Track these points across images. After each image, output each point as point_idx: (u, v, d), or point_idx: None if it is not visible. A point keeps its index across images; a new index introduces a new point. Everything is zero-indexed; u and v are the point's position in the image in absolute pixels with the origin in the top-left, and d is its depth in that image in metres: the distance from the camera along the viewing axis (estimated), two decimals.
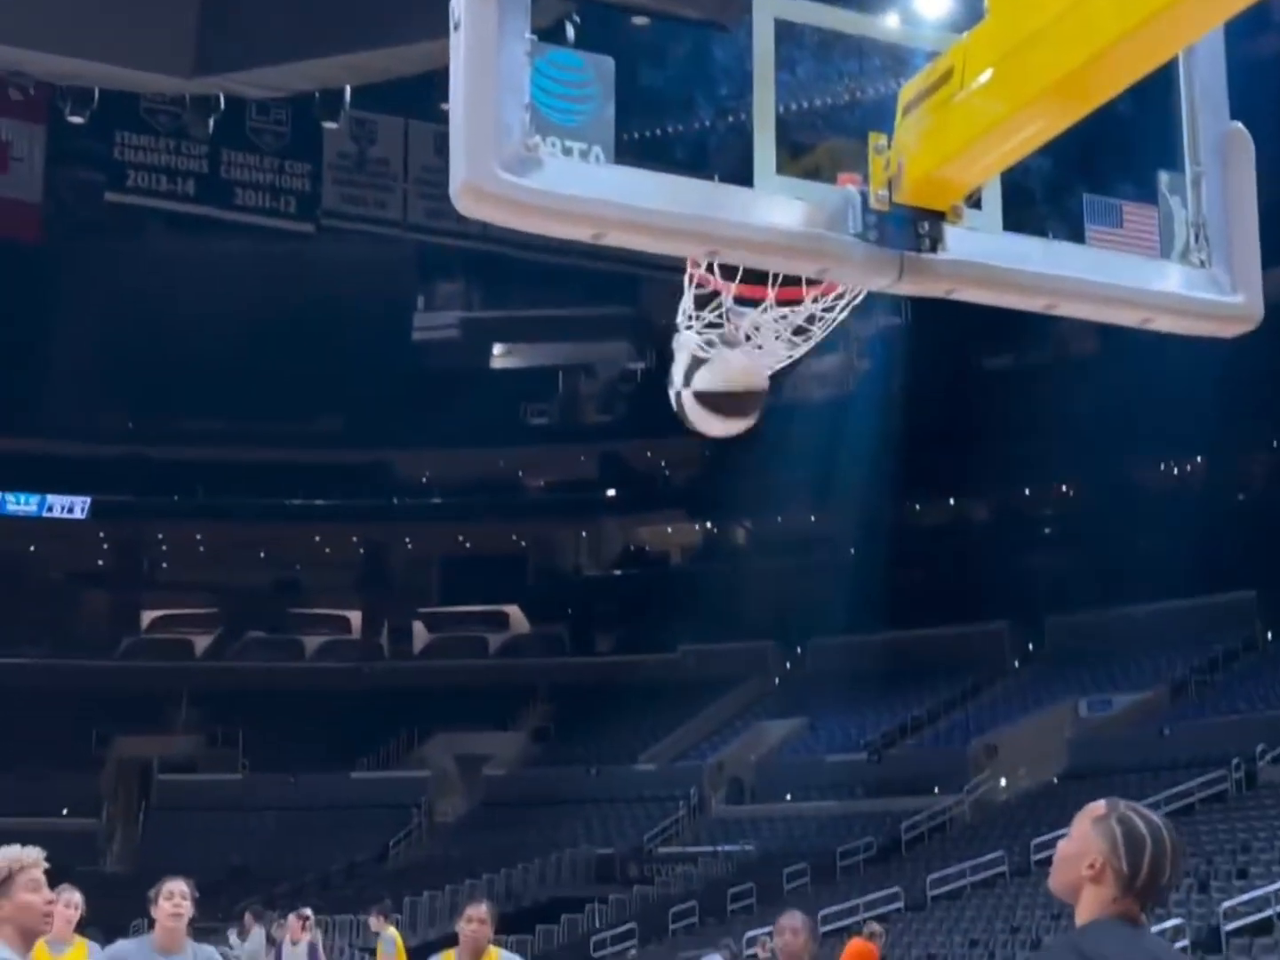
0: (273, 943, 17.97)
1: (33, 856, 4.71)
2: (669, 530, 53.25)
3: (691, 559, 52.29)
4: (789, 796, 39.22)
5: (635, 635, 49.46)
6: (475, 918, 7.27)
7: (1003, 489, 47.04)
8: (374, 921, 17.64)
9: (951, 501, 49.83)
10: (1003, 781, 36.69)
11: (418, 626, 52.88)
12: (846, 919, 27.69)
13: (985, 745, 37.53)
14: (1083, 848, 3.38)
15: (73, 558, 50.11)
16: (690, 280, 4.18)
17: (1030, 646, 43.73)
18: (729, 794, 40.97)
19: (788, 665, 46.91)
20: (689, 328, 4.28)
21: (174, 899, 6.29)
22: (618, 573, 53.06)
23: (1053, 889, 3.54)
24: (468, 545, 52.93)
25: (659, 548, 53.57)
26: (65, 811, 40.60)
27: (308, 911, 17.25)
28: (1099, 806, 3.43)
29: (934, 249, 3.76)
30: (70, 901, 7.03)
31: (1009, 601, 41.17)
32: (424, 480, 52.66)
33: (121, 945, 7.00)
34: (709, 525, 53.09)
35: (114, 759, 44.40)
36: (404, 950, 17.13)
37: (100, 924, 23.57)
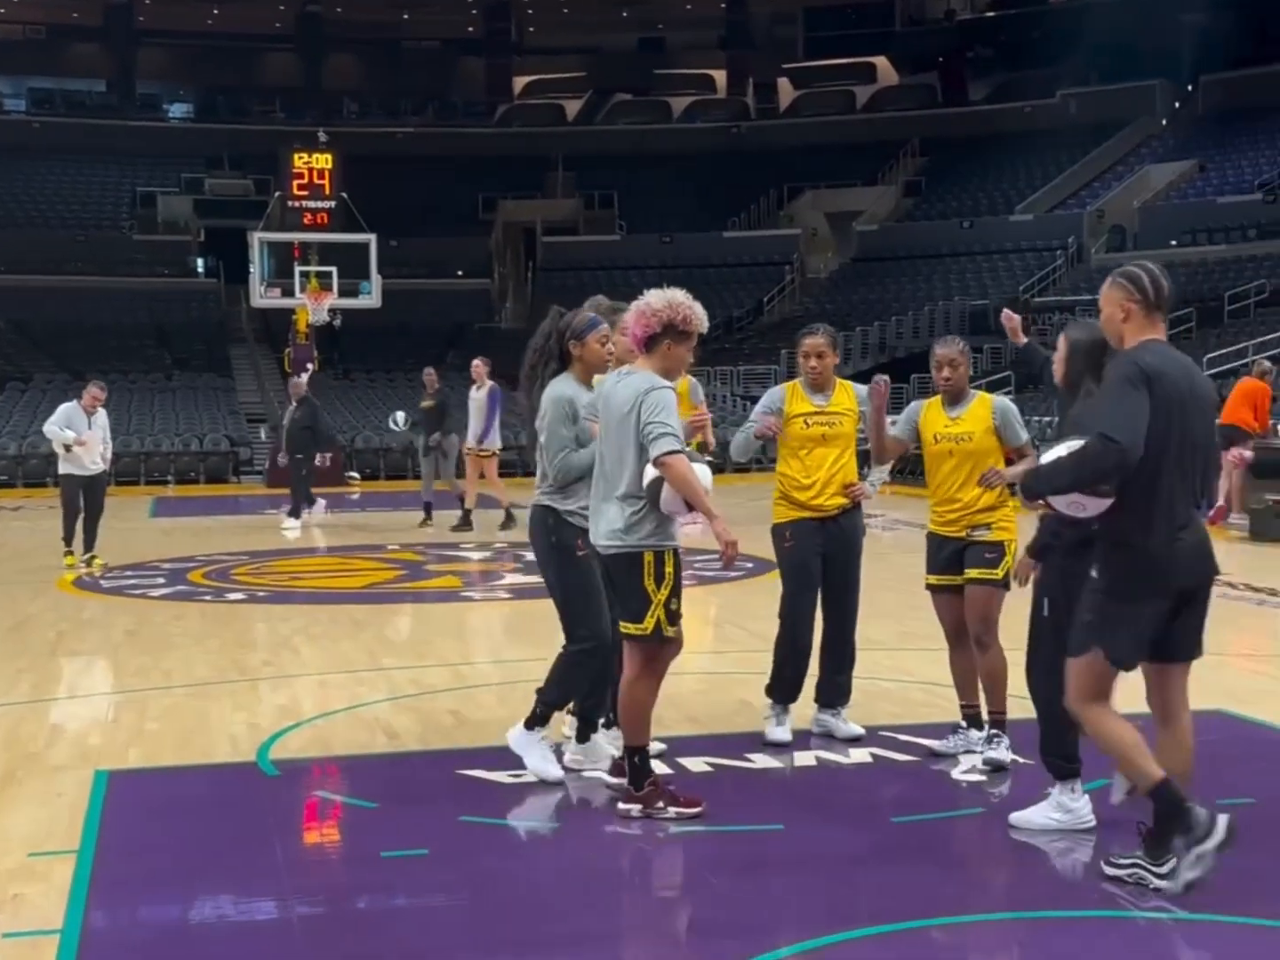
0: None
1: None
2: None
3: None
4: (1174, 242, 37.79)
5: (1012, 81, 47.30)
6: (811, 352, 6.53)
7: None
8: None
9: None
10: None
11: (783, 83, 51.92)
12: (1234, 362, 27.12)
13: None
14: (1114, 310, 4.61)
15: (445, 25, 50.76)
16: None
17: None
18: (1110, 242, 39.77)
19: (1176, 105, 44.15)
20: None
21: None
22: (993, 14, 50.19)
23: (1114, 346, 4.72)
24: None
25: None
26: (460, 273, 43.05)
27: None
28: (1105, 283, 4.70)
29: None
30: None
31: None
32: None
33: None
34: None
35: (500, 223, 46.35)
36: None
37: (498, 375, 25.12)
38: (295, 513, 17.48)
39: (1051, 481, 4.56)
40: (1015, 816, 5.23)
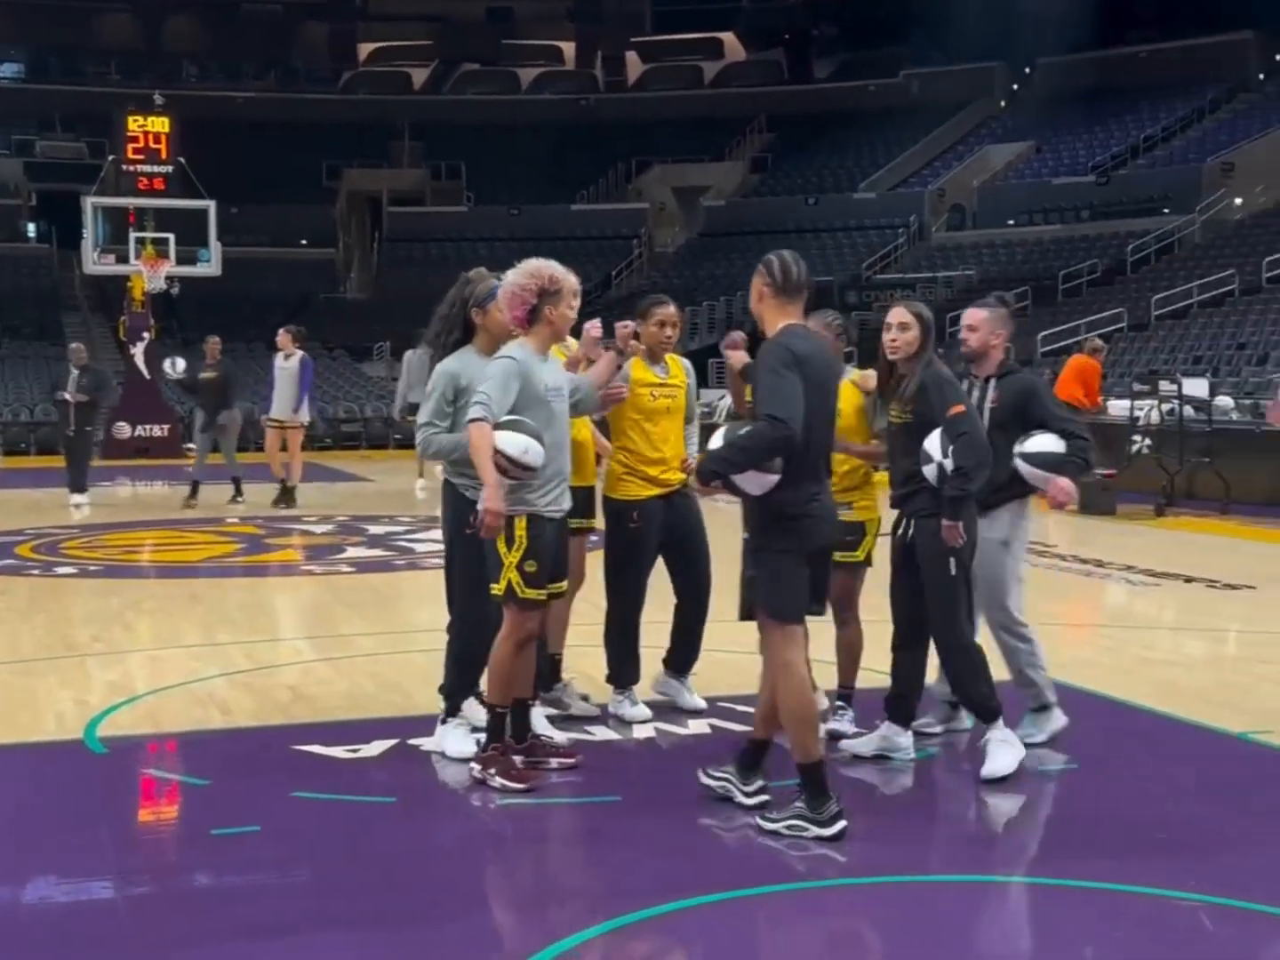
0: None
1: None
2: None
3: None
4: (1011, 222, 38.61)
5: (856, 60, 47.85)
6: (669, 321, 6.45)
7: None
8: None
9: None
10: (1238, 200, 35.36)
11: (631, 56, 51.87)
12: (1067, 340, 27.81)
13: (1221, 163, 35.98)
14: (753, 293, 5.04)
15: None
16: None
17: (1276, 58, 41.01)
18: (950, 220, 40.54)
19: (1015, 87, 45.10)
20: None
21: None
22: None
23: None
24: None
25: None
26: (304, 242, 42.36)
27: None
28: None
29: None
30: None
31: (1255, 8, 38.32)
32: None
33: None
34: None
35: (345, 192, 45.66)
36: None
37: (345, 346, 24.60)
38: (79, 487, 16.22)
39: (730, 464, 4.87)
40: (985, 770, 5.46)
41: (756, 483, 4.88)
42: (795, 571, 4.93)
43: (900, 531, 5.67)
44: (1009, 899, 4.53)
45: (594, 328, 6.10)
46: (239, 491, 16.28)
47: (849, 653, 6.21)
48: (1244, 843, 4.95)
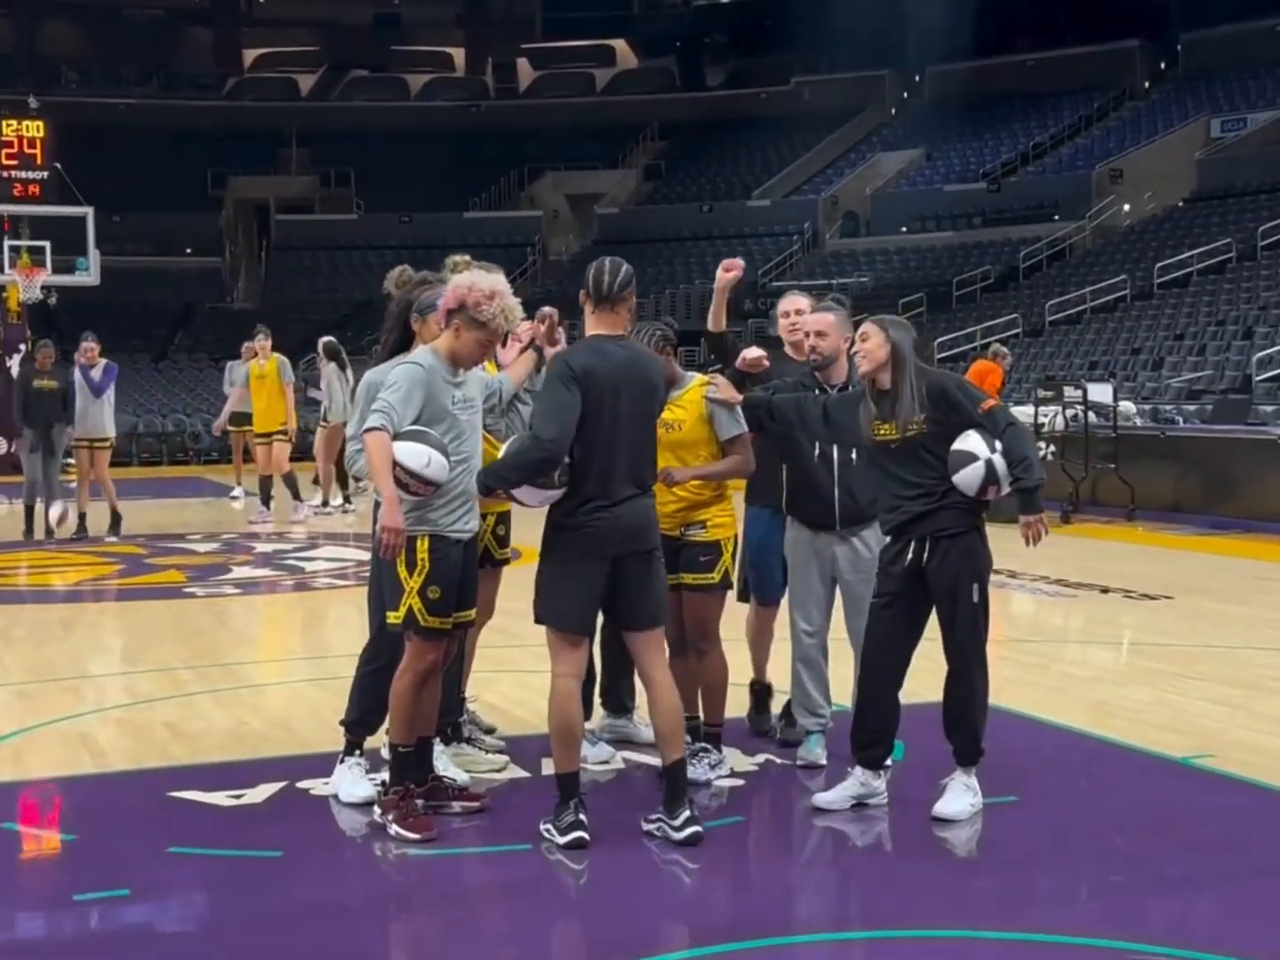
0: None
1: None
2: None
3: None
4: (904, 229, 38.69)
5: (748, 67, 47.79)
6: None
7: None
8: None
9: None
10: (1127, 206, 35.72)
11: (522, 63, 51.41)
12: (963, 345, 27.83)
13: (1110, 170, 36.34)
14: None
15: None
16: None
17: (1162, 65, 41.63)
18: (844, 228, 40.54)
19: (905, 95, 45.26)
20: None
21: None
22: (727, 0, 50.60)
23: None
24: None
25: None
26: (189, 251, 41.34)
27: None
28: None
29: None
30: None
31: (1141, 17, 38.81)
32: None
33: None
34: None
35: (231, 200, 44.70)
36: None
37: (231, 356, 23.77)
38: None
39: (501, 479, 4.90)
40: (939, 807, 5.09)
41: (534, 496, 4.91)
42: (568, 582, 4.87)
43: (909, 555, 5.11)
44: (963, 956, 4.14)
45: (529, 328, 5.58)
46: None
47: (710, 685, 5.65)
48: (1205, 881, 4.61)
